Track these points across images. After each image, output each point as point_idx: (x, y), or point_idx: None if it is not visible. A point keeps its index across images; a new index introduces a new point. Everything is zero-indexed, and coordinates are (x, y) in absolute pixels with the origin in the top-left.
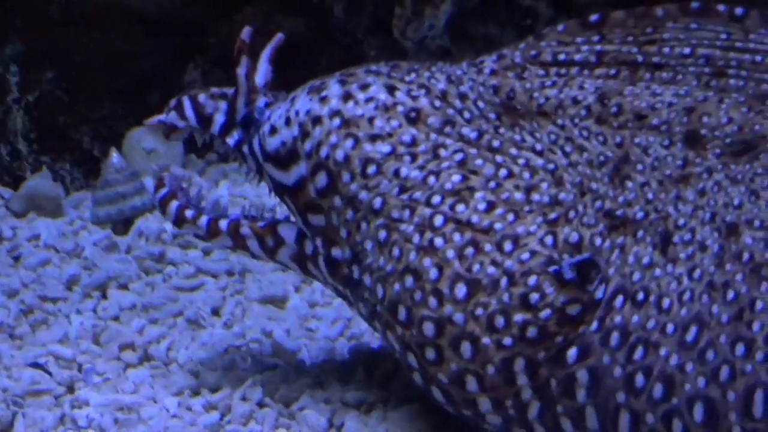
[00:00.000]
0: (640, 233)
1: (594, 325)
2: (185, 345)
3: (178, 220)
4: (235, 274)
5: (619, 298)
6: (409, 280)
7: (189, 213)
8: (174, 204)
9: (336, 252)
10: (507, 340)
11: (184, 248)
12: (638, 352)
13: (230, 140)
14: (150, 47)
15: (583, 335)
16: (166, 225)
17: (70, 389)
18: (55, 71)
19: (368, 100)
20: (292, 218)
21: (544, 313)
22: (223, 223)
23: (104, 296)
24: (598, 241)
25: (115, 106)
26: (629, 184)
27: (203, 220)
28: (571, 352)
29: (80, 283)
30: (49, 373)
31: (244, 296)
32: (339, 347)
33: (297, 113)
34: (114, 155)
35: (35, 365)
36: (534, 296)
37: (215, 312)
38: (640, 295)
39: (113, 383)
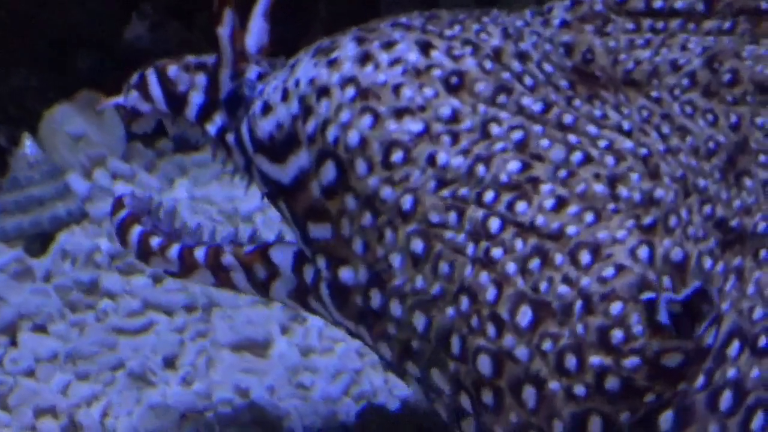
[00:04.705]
0: (763, 253)
1: (699, 380)
2: (127, 409)
3: (143, 252)
4: (198, 309)
5: (735, 344)
6: (464, 302)
7: (155, 242)
8: (136, 230)
9: (346, 274)
10: (579, 389)
11: (126, 274)
12: (758, 419)
13: (211, 127)
14: None
15: (683, 394)
16: (101, 241)
17: None
18: None
19: (394, 62)
20: (288, 236)
21: (630, 361)
22: (199, 253)
23: (13, 342)
24: (708, 262)
25: (30, 75)
26: (748, 182)
27: (173, 250)
28: (666, 417)
29: None
30: None
31: (209, 340)
32: (343, 410)
33: (297, 83)
34: (27, 144)
35: None
36: (617, 334)
37: (169, 363)
38: (763, 341)
39: None
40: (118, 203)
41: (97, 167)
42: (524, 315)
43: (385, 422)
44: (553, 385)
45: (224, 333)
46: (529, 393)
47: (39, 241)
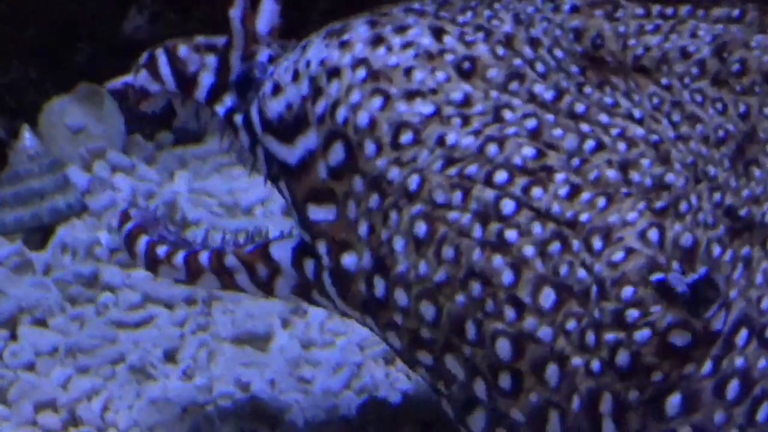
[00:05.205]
0: None
1: (707, 366)
2: (128, 403)
3: (150, 262)
4: (198, 302)
5: (743, 333)
6: (476, 287)
7: (162, 250)
8: (143, 241)
9: (348, 259)
10: (595, 365)
11: (126, 267)
12: (764, 411)
13: (220, 108)
14: None
15: (690, 379)
16: (101, 234)
17: None
18: None
19: (406, 45)
20: (293, 228)
21: (642, 333)
22: (204, 257)
23: (13, 336)
24: (717, 249)
25: (28, 68)
26: (756, 171)
27: (179, 257)
28: (673, 401)
29: None
30: None
31: (210, 334)
32: (344, 403)
33: (308, 64)
34: (26, 136)
35: None
36: (632, 313)
37: (170, 357)
38: None
39: None
40: (124, 216)
41: (97, 160)
42: (547, 297)
43: (387, 416)
44: (576, 361)
45: (225, 326)
46: (552, 371)
47: (39, 234)
